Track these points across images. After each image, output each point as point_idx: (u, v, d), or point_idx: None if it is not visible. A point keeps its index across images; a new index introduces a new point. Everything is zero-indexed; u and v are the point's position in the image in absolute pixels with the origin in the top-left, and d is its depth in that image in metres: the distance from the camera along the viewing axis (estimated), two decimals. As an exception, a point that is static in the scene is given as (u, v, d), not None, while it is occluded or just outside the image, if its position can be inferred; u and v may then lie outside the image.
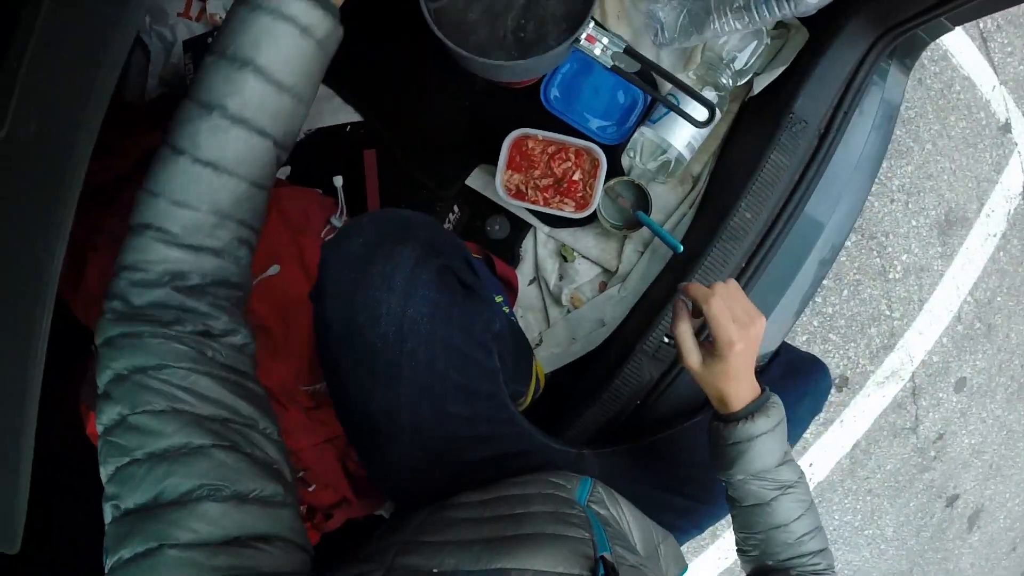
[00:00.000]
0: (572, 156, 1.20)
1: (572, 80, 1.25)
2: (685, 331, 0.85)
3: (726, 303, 0.81)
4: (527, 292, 1.33)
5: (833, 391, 1.93)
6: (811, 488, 1.94)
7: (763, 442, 0.80)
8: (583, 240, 1.28)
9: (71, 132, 0.52)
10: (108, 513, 0.53)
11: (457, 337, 0.71)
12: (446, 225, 1.32)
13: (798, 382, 1.16)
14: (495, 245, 1.31)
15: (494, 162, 1.24)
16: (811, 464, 2.00)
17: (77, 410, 1.02)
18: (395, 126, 1.30)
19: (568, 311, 1.31)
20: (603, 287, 1.30)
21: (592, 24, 0.90)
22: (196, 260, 0.61)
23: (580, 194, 1.21)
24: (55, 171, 0.52)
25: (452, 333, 0.70)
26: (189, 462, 0.53)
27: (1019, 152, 1.98)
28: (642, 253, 1.27)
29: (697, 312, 0.85)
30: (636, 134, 1.23)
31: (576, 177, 1.20)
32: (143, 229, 0.60)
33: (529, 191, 1.22)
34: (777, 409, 0.83)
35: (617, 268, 1.28)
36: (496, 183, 1.20)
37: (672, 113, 1.15)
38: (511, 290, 1.31)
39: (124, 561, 0.49)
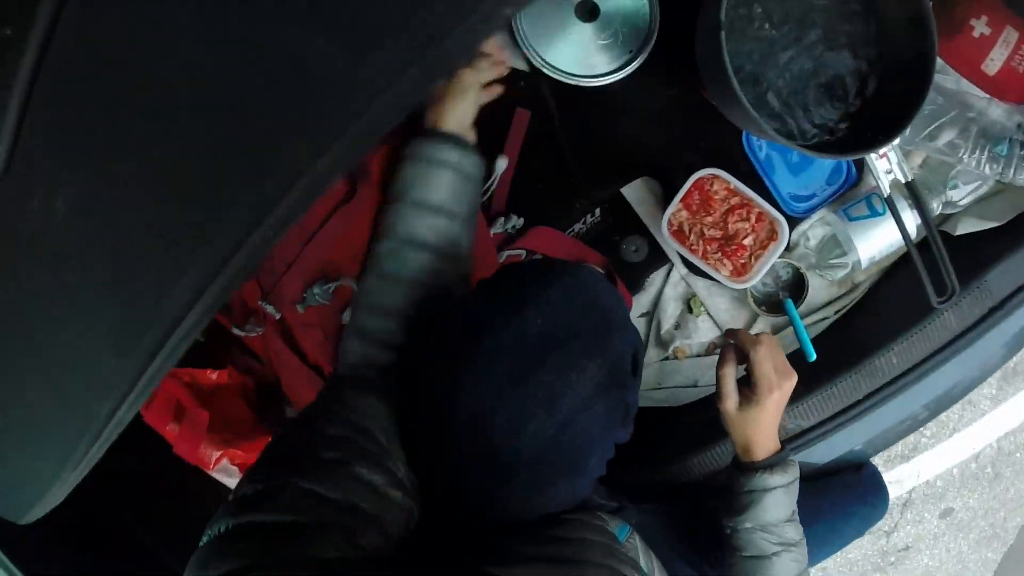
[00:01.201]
0: (752, 218, 1.10)
1: (781, 135, 1.12)
2: (730, 374, 0.88)
3: (770, 352, 0.86)
4: (635, 323, 1.23)
5: None
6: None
7: (776, 496, 0.85)
8: (717, 299, 1.19)
9: None
10: (262, 456, 0.64)
11: (593, 462, 0.67)
12: (578, 227, 1.21)
13: (855, 505, 1.18)
14: (624, 266, 1.21)
15: (662, 181, 1.14)
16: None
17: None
18: (564, 95, 1.13)
19: (667, 359, 1.23)
20: (712, 349, 1.22)
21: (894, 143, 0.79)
22: (383, 352, 0.78)
23: (743, 262, 1.11)
24: None
25: (590, 464, 0.67)
26: (340, 444, 0.62)
27: None
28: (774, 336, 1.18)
29: (740, 360, 0.89)
30: (822, 216, 1.14)
31: (747, 242, 1.11)
32: (349, 323, 0.84)
33: (692, 236, 1.12)
34: (793, 468, 0.88)
35: (738, 341, 1.19)
36: (665, 214, 1.10)
37: (871, 220, 1.07)
38: (621, 314, 1.22)
39: (247, 496, 0.55)
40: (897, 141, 0.84)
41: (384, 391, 0.69)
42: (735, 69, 0.85)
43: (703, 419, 1.17)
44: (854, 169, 1.14)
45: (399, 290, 0.78)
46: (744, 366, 0.88)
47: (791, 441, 1.10)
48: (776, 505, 0.85)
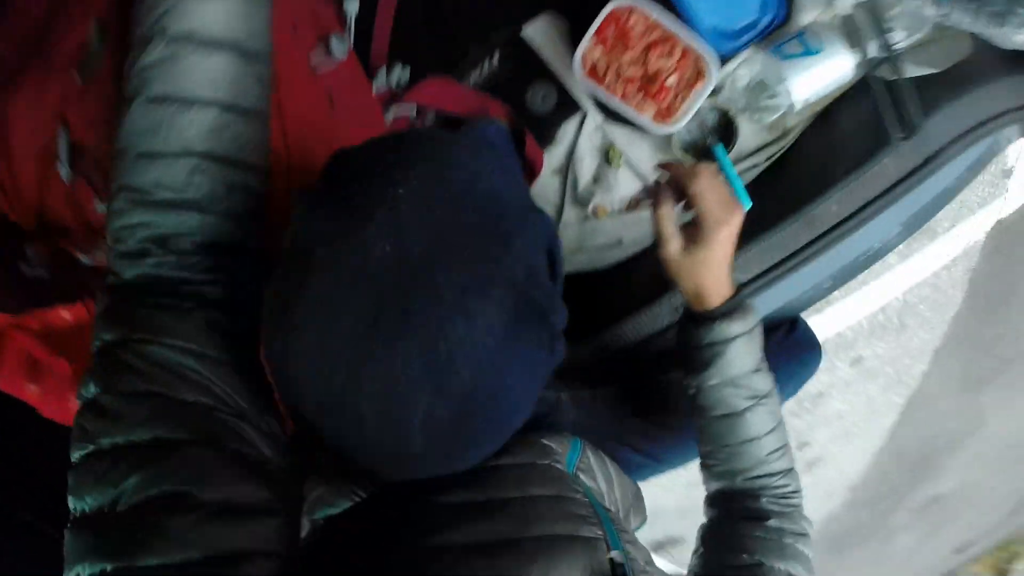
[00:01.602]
0: (677, 54, 0.97)
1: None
2: (667, 214, 0.77)
3: (712, 184, 0.75)
4: (547, 181, 1.12)
5: None
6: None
7: (740, 344, 0.76)
8: (638, 147, 1.07)
9: None
10: (71, 512, 0.44)
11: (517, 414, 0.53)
12: (475, 75, 1.05)
13: (790, 367, 1.11)
14: (532, 118, 1.07)
15: (569, 16, 1.00)
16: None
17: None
18: None
19: (587, 218, 1.12)
20: (635, 204, 1.11)
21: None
22: (176, 219, 0.52)
23: (667, 104, 0.99)
24: None
25: (513, 417, 0.52)
26: (156, 460, 0.44)
27: (1005, 197, 2.05)
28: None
29: (678, 199, 0.78)
30: (749, 55, 1.02)
31: (670, 82, 0.98)
32: (116, 192, 0.53)
33: (608, 76, 0.98)
34: (754, 312, 0.78)
35: (664, 194, 1.09)
36: (577, 52, 0.95)
37: (808, 58, 0.96)
38: (531, 174, 1.10)
39: None
40: None
41: (196, 292, 0.52)
42: None
43: (633, 279, 1.12)
44: (783, 5, 1.01)
45: (188, 113, 0.53)
46: (682, 205, 0.78)
47: None
48: (741, 355, 0.76)
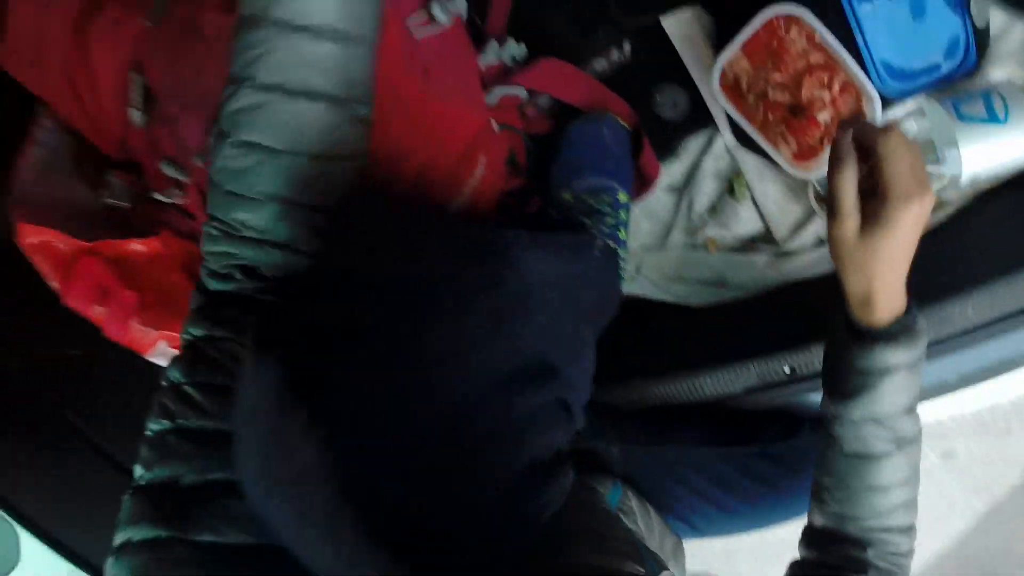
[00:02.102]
0: (836, 86, 0.83)
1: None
2: (848, 181, 0.63)
3: (906, 148, 0.60)
4: (659, 197, 1.02)
5: None
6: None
7: (898, 379, 0.65)
8: (768, 184, 0.95)
9: None
10: (133, 480, 0.50)
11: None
12: (601, 64, 0.96)
13: None
14: (655, 123, 0.97)
15: (718, 15, 0.89)
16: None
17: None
18: None
19: (694, 247, 1.02)
20: (751, 248, 1.00)
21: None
22: (260, 254, 0.56)
23: (812, 143, 0.86)
24: None
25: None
26: (223, 448, 0.46)
27: None
28: (822, 243, 0.95)
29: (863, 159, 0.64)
30: (921, 104, 0.87)
31: (823, 117, 0.85)
32: (209, 217, 0.58)
33: (751, 97, 0.86)
34: (921, 340, 0.67)
35: (783, 242, 0.97)
36: (719, 59, 0.84)
37: (986, 127, 0.82)
38: (644, 186, 1.00)
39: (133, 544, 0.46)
40: None
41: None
42: None
43: (727, 327, 1.01)
44: (974, 47, 0.85)
45: (268, 168, 0.54)
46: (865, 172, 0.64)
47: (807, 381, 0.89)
48: (895, 391, 0.66)
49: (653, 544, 0.71)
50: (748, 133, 0.89)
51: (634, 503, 0.71)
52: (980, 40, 0.85)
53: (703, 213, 0.99)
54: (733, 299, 1.00)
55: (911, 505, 0.71)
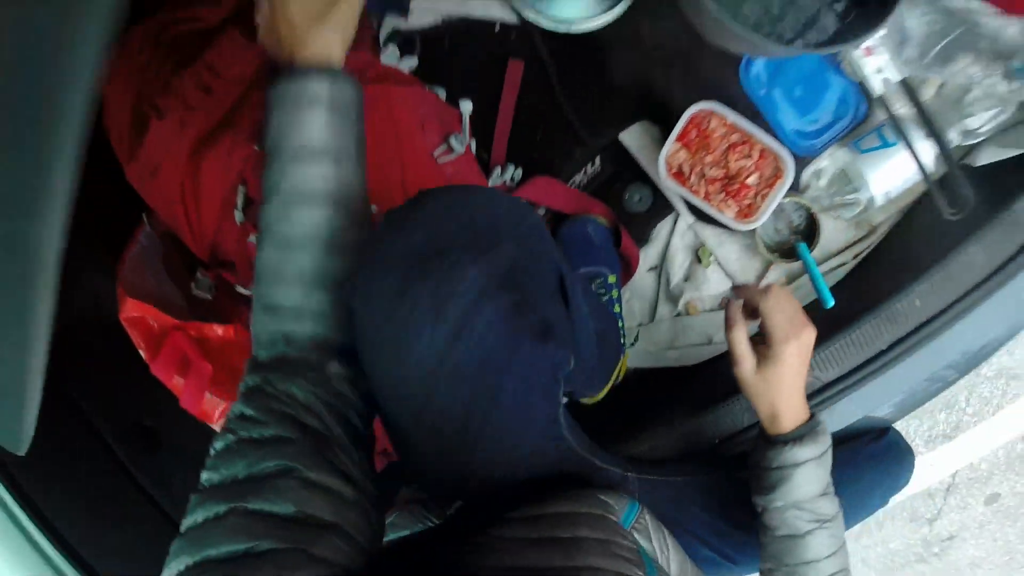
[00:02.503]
0: (755, 155, 1.05)
1: (780, 65, 1.07)
2: (740, 334, 0.82)
3: (780, 301, 0.80)
4: (643, 277, 1.20)
5: None
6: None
7: (808, 470, 0.78)
8: (726, 248, 1.14)
9: None
10: (201, 482, 0.55)
11: (510, 385, 0.61)
12: (579, 177, 1.17)
13: (878, 471, 1.09)
14: (628, 217, 1.17)
15: (660, 124, 1.09)
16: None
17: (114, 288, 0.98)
18: (557, 42, 1.11)
19: (679, 314, 1.18)
20: (724, 303, 1.16)
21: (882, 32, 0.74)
22: (297, 325, 0.64)
23: (748, 202, 1.06)
24: None
25: (504, 384, 0.60)
26: (277, 447, 0.55)
27: None
28: (786, 287, 1.12)
29: (751, 316, 0.84)
30: (831, 153, 1.08)
31: (751, 181, 1.05)
32: (253, 298, 0.67)
33: (692, 177, 1.06)
34: (825, 437, 0.80)
35: (751, 292, 1.13)
36: (660, 155, 1.05)
37: (883, 151, 1.01)
38: (628, 271, 1.18)
39: (198, 524, 0.51)
40: (882, 32, 0.77)
41: (315, 365, 0.63)
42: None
43: (715, 375, 1.14)
44: (864, 102, 1.08)
45: (298, 254, 0.65)
46: (757, 323, 0.83)
47: (812, 398, 1.02)
48: (807, 480, 0.78)
49: (667, 566, 0.75)
50: (700, 207, 1.08)
51: (649, 522, 0.75)
52: (867, 95, 1.06)
53: (679, 283, 1.16)
54: (721, 352, 1.15)
55: (843, 574, 0.81)
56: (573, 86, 1.13)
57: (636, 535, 0.69)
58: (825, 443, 0.80)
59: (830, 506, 0.80)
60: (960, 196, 0.89)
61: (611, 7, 1.04)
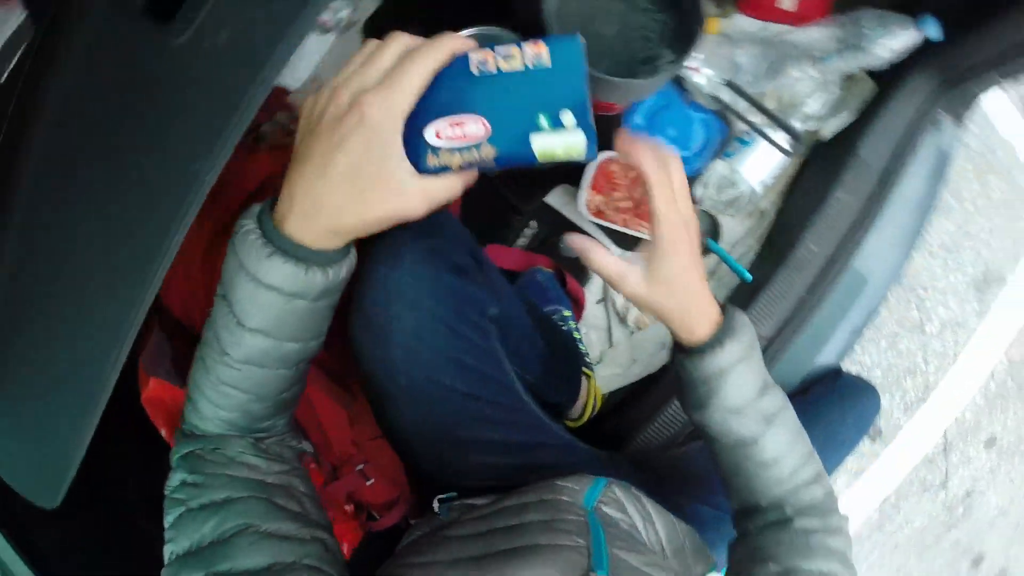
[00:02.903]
0: (652, 183, 1.28)
1: (655, 113, 1.34)
2: (603, 257, 0.66)
3: (665, 177, 0.62)
4: (594, 310, 1.40)
5: (866, 440, 1.95)
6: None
7: (738, 372, 0.67)
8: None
9: (262, 52, 0.47)
10: (165, 557, 0.57)
11: (443, 310, 0.69)
12: (521, 240, 1.40)
13: (844, 406, 1.19)
14: (568, 262, 1.39)
15: (575, 184, 1.33)
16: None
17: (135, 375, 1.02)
18: None
19: (632, 332, 1.37)
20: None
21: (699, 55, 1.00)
22: (246, 419, 0.65)
23: (656, 221, 1.28)
24: (229, 96, 0.48)
25: (438, 305, 0.69)
26: (229, 508, 0.58)
27: None
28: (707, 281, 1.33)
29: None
30: (710, 167, 1.32)
31: (653, 203, 1.28)
32: (211, 373, 0.62)
33: (609, 212, 1.29)
34: (746, 329, 0.68)
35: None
36: (579, 201, 1.28)
37: (746, 149, 1.25)
38: (578, 308, 1.39)
39: None
40: (698, 56, 1.03)
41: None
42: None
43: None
44: (722, 123, 1.34)
45: (230, 392, 0.62)
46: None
47: None
48: (740, 384, 0.67)
49: (651, 533, 0.72)
50: (623, 232, 1.30)
51: (620, 494, 0.72)
52: (723, 118, 1.33)
53: (624, 304, 1.37)
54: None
55: (807, 460, 0.72)
56: (504, 170, 1.39)
57: (605, 508, 0.68)
58: (748, 336, 0.68)
59: (772, 401, 0.70)
60: (794, 134, 1.10)
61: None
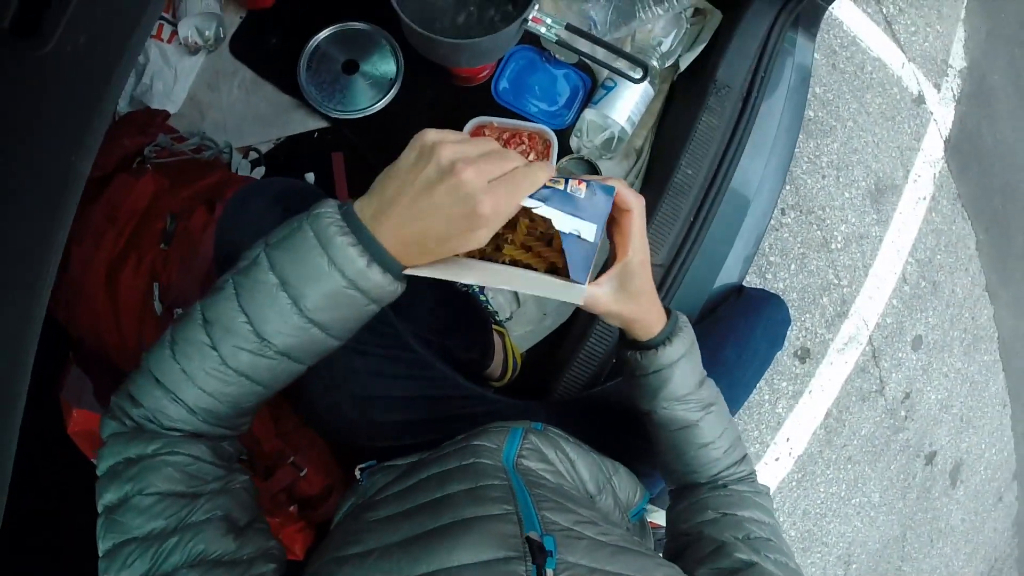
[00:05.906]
0: (526, 139, 1.33)
1: (519, 76, 1.39)
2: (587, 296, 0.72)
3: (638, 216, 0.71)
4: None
5: (796, 363, 2.00)
6: (791, 463, 2.01)
7: (683, 365, 0.79)
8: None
9: (117, 53, 0.52)
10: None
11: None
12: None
13: (749, 316, 1.25)
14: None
15: None
16: (788, 439, 2.03)
17: (55, 406, 1.03)
18: (362, 129, 1.41)
19: (537, 291, 1.41)
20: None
21: (537, 7, 1.06)
22: (195, 422, 0.63)
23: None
24: (94, 91, 0.52)
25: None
26: (161, 542, 0.57)
27: (935, 120, 2.14)
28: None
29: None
30: (582, 117, 1.37)
31: (531, 158, 1.33)
32: (158, 383, 0.61)
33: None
34: (688, 329, 0.80)
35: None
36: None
37: (611, 93, 1.31)
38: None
39: None
40: (536, 7, 1.09)
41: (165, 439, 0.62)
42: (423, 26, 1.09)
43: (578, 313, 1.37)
44: (585, 75, 1.41)
45: (240, 381, 0.62)
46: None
47: (661, 287, 1.23)
48: (685, 375, 0.79)
49: (575, 475, 0.78)
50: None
51: (538, 442, 0.77)
52: (585, 68, 1.38)
53: None
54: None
55: (736, 444, 0.86)
56: (385, 159, 1.41)
57: (525, 461, 0.72)
58: (690, 335, 0.80)
59: (709, 391, 0.83)
60: (640, 63, 1.15)
61: (390, 91, 1.37)
